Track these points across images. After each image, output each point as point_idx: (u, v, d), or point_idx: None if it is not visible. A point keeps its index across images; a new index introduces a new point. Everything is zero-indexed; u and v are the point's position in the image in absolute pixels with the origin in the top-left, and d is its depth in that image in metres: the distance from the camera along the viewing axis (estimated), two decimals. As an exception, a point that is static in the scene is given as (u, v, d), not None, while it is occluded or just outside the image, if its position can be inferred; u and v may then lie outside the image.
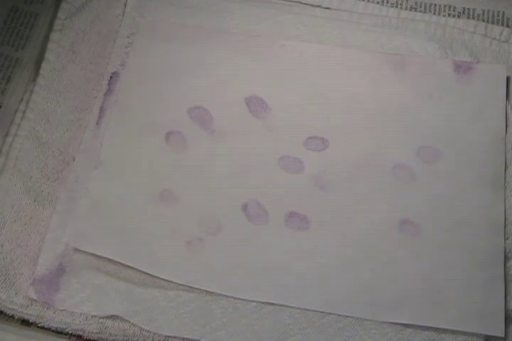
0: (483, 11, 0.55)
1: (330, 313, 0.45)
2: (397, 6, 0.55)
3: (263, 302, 0.46)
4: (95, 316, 0.45)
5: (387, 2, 0.56)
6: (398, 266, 0.46)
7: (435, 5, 0.55)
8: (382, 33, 0.53)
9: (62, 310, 0.46)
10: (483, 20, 0.55)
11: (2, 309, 0.46)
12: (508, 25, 0.54)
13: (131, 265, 0.46)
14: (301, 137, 0.50)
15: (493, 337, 0.45)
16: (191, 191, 0.49)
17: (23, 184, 0.49)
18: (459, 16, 0.55)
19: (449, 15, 0.55)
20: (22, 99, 0.52)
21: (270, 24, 0.54)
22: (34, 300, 0.46)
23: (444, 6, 0.55)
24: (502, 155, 0.49)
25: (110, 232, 0.47)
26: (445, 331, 0.45)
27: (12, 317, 0.46)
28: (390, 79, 0.52)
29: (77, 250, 0.47)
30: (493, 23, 0.55)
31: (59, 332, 0.46)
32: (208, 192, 0.49)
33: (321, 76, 0.52)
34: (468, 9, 0.55)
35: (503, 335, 0.44)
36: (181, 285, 0.46)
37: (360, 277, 0.46)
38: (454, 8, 0.55)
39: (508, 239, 0.47)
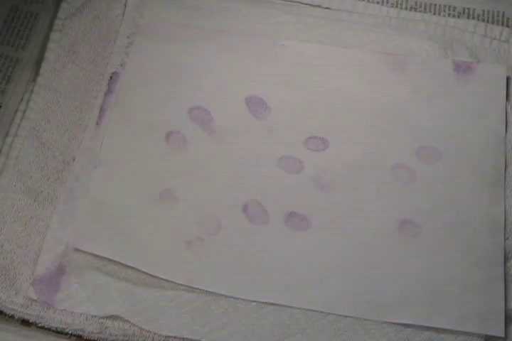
0: (483, 11, 0.55)
1: (330, 313, 0.45)
2: (397, 6, 0.55)
3: (263, 302, 0.46)
4: (95, 316, 0.45)
5: (387, 2, 0.56)
6: (398, 266, 0.46)
7: (435, 5, 0.55)
8: (382, 33, 0.53)
9: (62, 310, 0.46)
10: (483, 20, 0.55)
11: (2, 309, 0.46)
12: (508, 25, 0.54)
13: (131, 265, 0.46)
14: (301, 137, 0.50)
15: (493, 337, 0.45)
16: (191, 191, 0.49)
17: (23, 184, 0.49)
18: (459, 16, 0.55)
19: (449, 15, 0.55)
20: (22, 99, 0.52)
21: (270, 24, 0.54)
22: (34, 300, 0.46)
23: (444, 6, 0.55)
24: (502, 155, 0.49)
25: (110, 232, 0.47)
26: (445, 331, 0.45)
27: (12, 317, 0.46)
28: (390, 79, 0.52)
29: (77, 250, 0.47)
30: (493, 23, 0.55)
31: (59, 332, 0.46)
32: (208, 192, 0.49)
33: (320, 76, 0.52)
34: (468, 9, 0.55)
35: (503, 335, 0.44)
36: (181, 285, 0.46)
37: (360, 277, 0.46)
38: (454, 8, 0.55)
39: (508, 239, 0.47)
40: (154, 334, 0.45)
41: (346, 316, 0.45)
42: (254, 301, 0.46)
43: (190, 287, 0.46)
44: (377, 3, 0.55)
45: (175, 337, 0.45)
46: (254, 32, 0.54)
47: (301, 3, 0.55)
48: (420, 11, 0.55)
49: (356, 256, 0.47)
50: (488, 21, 0.55)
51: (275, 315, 0.46)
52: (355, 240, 0.47)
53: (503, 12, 0.55)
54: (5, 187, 0.49)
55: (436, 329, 0.45)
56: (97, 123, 0.51)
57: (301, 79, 0.52)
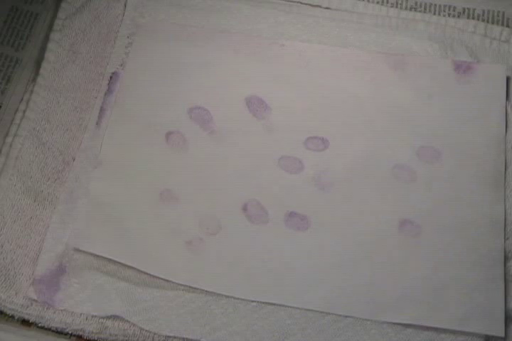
0: (483, 11, 0.55)
1: (330, 313, 0.45)
2: (397, 6, 0.55)
3: (263, 302, 0.46)
4: (95, 316, 0.45)
5: (387, 2, 0.56)
6: (398, 266, 0.46)
7: (435, 5, 0.55)
8: (382, 33, 0.53)
9: (62, 310, 0.46)
10: (483, 20, 0.55)
11: (2, 309, 0.46)
12: (508, 25, 0.54)
13: (131, 265, 0.46)
14: (301, 137, 0.50)
15: (493, 337, 0.45)
16: (191, 191, 0.49)
17: (23, 184, 0.49)
18: (459, 16, 0.55)
19: (449, 15, 0.55)
20: (22, 99, 0.52)
21: (270, 24, 0.54)
22: (34, 300, 0.46)
23: (444, 6, 0.55)
24: (502, 155, 0.49)
25: (110, 232, 0.47)
26: (445, 331, 0.45)
27: (12, 317, 0.46)
28: (390, 79, 0.52)
29: (77, 250, 0.47)
30: (493, 23, 0.55)
31: (59, 332, 0.46)
32: (208, 192, 0.49)
33: (321, 76, 0.52)
34: (468, 9, 0.55)
35: (503, 335, 0.44)
36: (181, 285, 0.46)
37: (360, 277, 0.46)
38: (454, 8, 0.55)
39: (508, 239, 0.47)
40: (154, 334, 0.45)
41: (346, 316, 0.45)
42: (254, 301, 0.46)
43: (190, 287, 0.46)
44: (377, 3, 0.55)
45: (175, 337, 0.45)
46: (254, 32, 0.54)
47: (301, 3, 0.55)
48: (420, 11, 0.55)
49: (356, 256, 0.47)
50: (488, 21, 0.55)
51: (275, 315, 0.46)
52: (355, 240, 0.47)
53: (503, 12, 0.55)
54: (5, 187, 0.49)
55: (436, 329, 0.45)
56: (97, 123, 0.51)
57: (301, 79, 0.52)
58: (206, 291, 0.46)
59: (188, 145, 0.50)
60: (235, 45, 0.53)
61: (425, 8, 0.55)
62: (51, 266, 0.47)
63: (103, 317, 0.45)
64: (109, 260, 0.47)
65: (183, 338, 0.45)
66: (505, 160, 0.49)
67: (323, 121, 0.51)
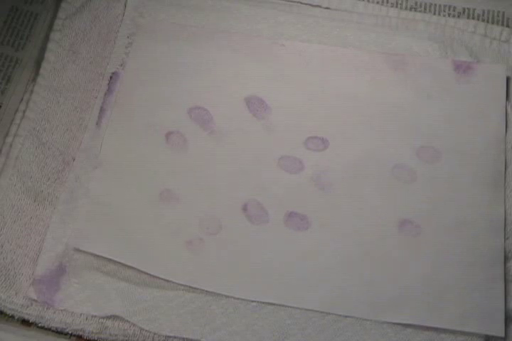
0: (483, 11, 0.55)
1: (330, 313, 0.45)
2: (397, 6, 0.55)
3: (263, 302, 0.46)
4: (95, 316, 0.45)
5: (387, 2, 0.56)
6: (398, 266, 0.46)
7: (435, 5, 0.55)
8: (382, 33, 0.53)
9: (62, 310, 0.46)
10: (483, 20, 0.55)
11: (2, 309, 0.46)
12: (508, 25, 0.54)
13: (131, 265, 0.46)
14: (301, 137, 0.50)
15: (493, 337, 0.45)
16: (191, 191, 0.49)
17: (23, 184, 0.49)
18: (459, 16, 0.55)
19: (449, 15, 0.55)
20: (22, 99, 0.52)
21: (270, 24, 0.54)
22: (34, 300, 0.46)
23: (444, 6, 0.55)
24: (502, 155, 0.49)
25: (110, 232, 0.47)
26: (445, 331, 0.45)
27: (12, 317, 0.46)
28: (390, 79, 0.52)
29: (77, 250, 0.47)
30: (493, 23, 0.55)
31: (59, 332, 0.46)
32: (208, 192, 0.49)
33: (320, 76, 0.52)
34: (468, 9, 0.55)
35: (503, 335, 0.44)
36: (181, 285, 0.46)
37: (360, 277, 0.46)
38: (454, 8, 0.55)
39: (508, 239, 0.47)
40: (154, 334, 0.45)
41: (346, 316, 0.45)
42: (254, 301, 0.46)
43: (190, 287, 0.46)
44: (377, 3, 0.55)
45: (175, 337, 0.45)
46: (254, 32, 0.54)
47: (301, 3, 0.55)
48: (420, 11, 0.55)
49: (356, 256, 0.47)
50: (488, 21, 0.55)
51: (275, 315, 0.46)
52: (355, 240, 0.47)
53: (503, 12, 0.55)
54: (5, 187, 0.49)
55: (436, 329, 0.45)
56: (97, 123, 0.51)
57: (301, 79, 0.52)
58: (206, 291, 0.46)
59: (188, 145, 0.50)
60: (235, 45, 0.53)
61: (425, 8, 0.55)
62: (51, 266, 0.47)
63: (103, 317, 0.45)
64: (109, 260, 0.47)
65: (183, 338, 0.45)
66: (505, 160, 0.49)
67: (323, 121, 0.51)
